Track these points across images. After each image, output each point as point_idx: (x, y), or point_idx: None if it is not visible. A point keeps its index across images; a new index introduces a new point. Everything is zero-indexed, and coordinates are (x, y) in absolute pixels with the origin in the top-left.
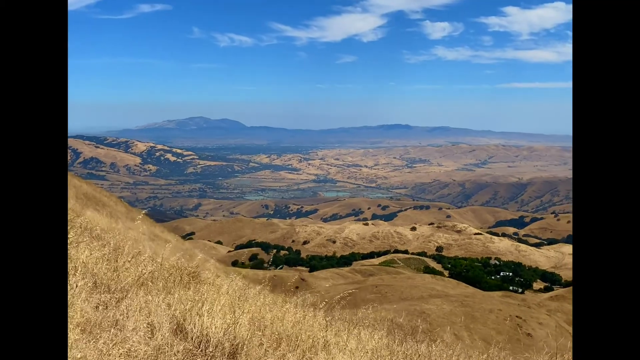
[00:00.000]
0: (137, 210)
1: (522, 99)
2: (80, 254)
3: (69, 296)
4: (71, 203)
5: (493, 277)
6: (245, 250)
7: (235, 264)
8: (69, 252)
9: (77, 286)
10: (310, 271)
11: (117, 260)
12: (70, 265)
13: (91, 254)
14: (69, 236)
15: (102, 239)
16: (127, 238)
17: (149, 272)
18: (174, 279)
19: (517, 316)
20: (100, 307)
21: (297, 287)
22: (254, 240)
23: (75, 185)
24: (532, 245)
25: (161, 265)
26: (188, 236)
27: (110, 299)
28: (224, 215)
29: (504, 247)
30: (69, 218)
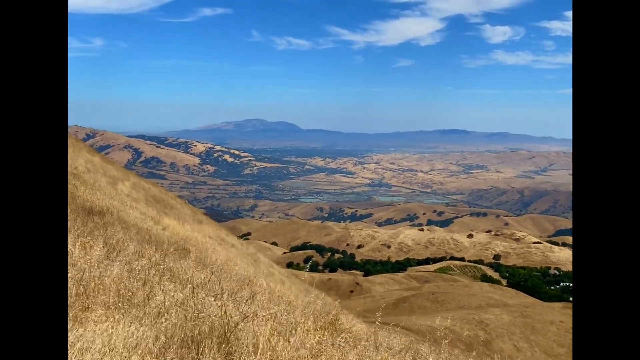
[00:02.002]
0: (200, 212)
1: None
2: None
3: None
4: (143, 206)
5: (552, 288)
6: (300, 252)
7: (290, 265)
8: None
9: None
10: (364, 275)
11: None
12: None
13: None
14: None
15: (202, 263)
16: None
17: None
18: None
19: None
20: None
21: (351, 292)
22: (309, 242)
23: (144, 188)
24: None
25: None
26: (244, 237)
27: None
28: (279, 217)
29: (564, 257)
30: (154, 226)
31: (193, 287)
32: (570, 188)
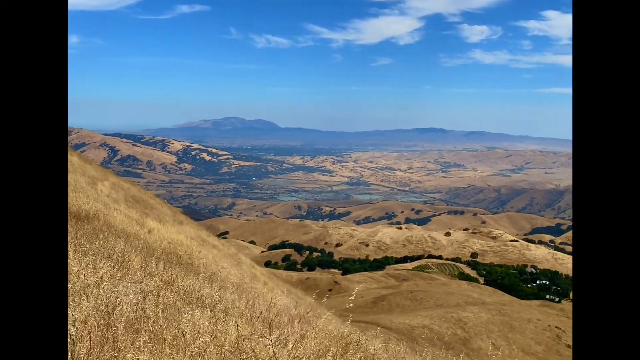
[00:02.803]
0: (179, 212)
1: (561, 105)
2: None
3: None
4: (124, 207)
5: (529, 285)
6: (278, 250)
7: (268, 264)
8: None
9: None
10: (343, 274)
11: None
12: None
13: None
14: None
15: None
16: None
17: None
18: None
19: (556, 327)
20: None
21: (330, 290)
22: (287, 241)
23: (124, 188)
24: (569, 253)
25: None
26: (222, 235)
27: None
28: (257, 215)
29: (540, 255)
30: (140, 231)
31: (220, 315)
32: (546, 186)
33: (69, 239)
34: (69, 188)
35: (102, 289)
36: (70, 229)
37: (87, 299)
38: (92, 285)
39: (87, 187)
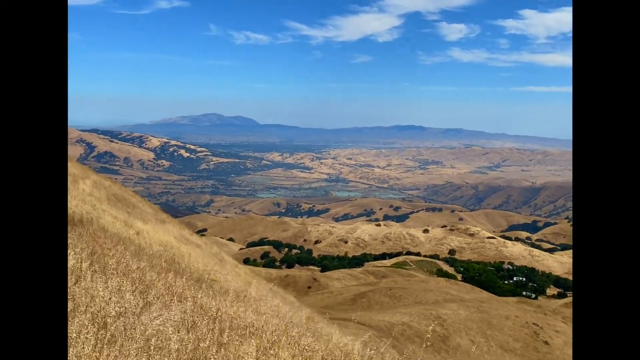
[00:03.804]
0: (159, 210)
1: (537, 103)
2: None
3: None
4: (107, 207)
5: (506, 282)
6: (257, 248)
7: (247, 261)
8: None
9: None
10: (322, 271)
11: None
12: None
13: None
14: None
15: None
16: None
17: None
18: None
19: (533, 323)
20: None
21: (309, 287)
22: (266, 238)
23: (106, 187)
24: (545, 250)
25: None
26: (200, 232)
27: None
28: (235, 212)
29: (517, 252)
30: (132, 234)
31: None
32: (523, 184)
33: (81, 254)
34: None
35: (145, 321)
36: (69, 234)
37: (132, 340)
38: (129, 313)
39: (70, 186)
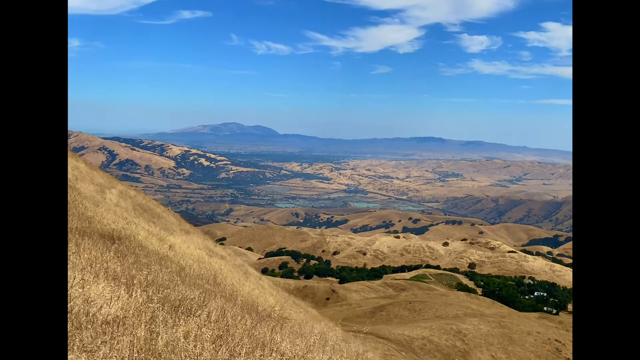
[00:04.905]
0: (183, 220)
1: (559, 116)
2: None
3: None
4: (133, 216)
5: (527, 297)
6: (275, 258)
7: (265, 271)
8: None
9: None
10: (340, 282)
11: None
12: None
13: None
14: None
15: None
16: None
17: None
18: None
19: (555, 339)
20: None
21: (327, 299)
22: (284, 248)
23: (131, 196)
24: (566, 265)
25: None
26: (219, 241)
27: None
28: (254, 222)
29: (538, 267)
30: (168, 251)
31: None
32: (544, 198)
33: (136, 277)
34: (86, 200)
35: None
36: (113, 254)
37: None
38: None
39: (97, 196)
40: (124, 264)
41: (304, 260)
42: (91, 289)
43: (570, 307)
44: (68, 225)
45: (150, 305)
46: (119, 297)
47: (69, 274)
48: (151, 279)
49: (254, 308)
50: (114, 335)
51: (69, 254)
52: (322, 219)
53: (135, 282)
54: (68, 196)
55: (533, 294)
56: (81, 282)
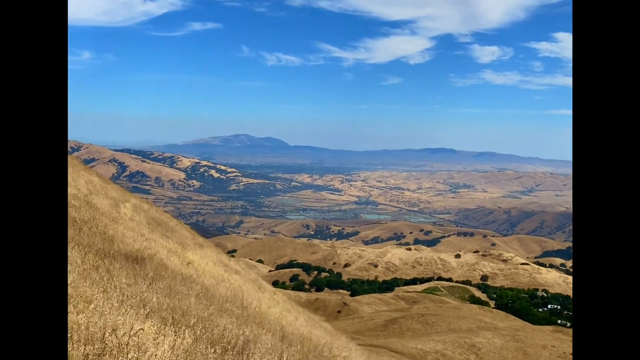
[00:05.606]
0: (196, 233)
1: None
2: None
3: None
4: (149, 232)
5: (541, 310)
6: (286, 270)
7: (276, 284)
8: None
9: None
10: (351, 295)
11: None
12: None
13: None
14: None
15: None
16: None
17: None
18: None
19: (571, 353)
20: None
21: (339, 312)
22: (295, 260)
23: (144, 210)
24: None
25: None
26: (230, 253)
27: None
28: (265, 234)
29: (551, 279)
30: (188, 268)
31: None
32: (557, 209)
33: (174, 309)
34: (104, 216)
35: None
36: (140, 280)
37: None
38: None
39: (112, 210)
40: (156, 291)
41: (315, 272)
42: (138, 332)
43: None
44: (93, 247)
45: (199, 348)
46: (165, 336)
47: (118, 319)
48: (185, 308)
49: (301, 341)
50: None
51: (103, 282)
52: (332, 231)
53: (176, 317)
54: (86, 213)
55: (547, 307)
56: (139, 331)
